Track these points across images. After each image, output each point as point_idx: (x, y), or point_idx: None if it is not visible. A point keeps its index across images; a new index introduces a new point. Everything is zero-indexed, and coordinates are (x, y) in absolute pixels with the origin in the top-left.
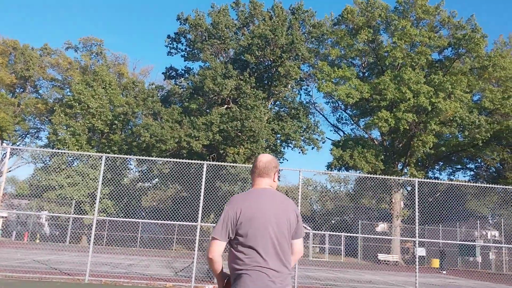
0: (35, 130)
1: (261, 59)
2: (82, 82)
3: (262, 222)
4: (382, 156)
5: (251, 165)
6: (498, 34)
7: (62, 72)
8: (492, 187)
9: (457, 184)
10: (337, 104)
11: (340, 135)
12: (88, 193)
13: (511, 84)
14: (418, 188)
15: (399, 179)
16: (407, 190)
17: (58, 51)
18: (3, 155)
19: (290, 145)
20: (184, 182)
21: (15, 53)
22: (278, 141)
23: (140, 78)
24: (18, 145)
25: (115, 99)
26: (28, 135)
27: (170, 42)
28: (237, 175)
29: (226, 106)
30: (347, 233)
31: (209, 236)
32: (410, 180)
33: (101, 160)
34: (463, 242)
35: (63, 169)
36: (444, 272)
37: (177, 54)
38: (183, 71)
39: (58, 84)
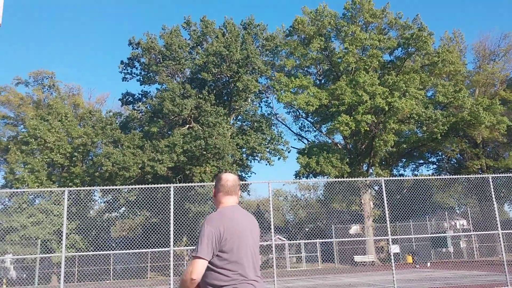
0: None
1: (218, 76)
2: (36, 117)
3: (244, 237)
4: (347, 159)
5: (215, 185)
6: (443, 31)
7: (14, 109)
8: (455, 178)
9: (422, 179)
10: (298, 113)
11: (304, 143)
12: (54, 230)
13: (461, 77)
14: (385, 186)
15: (366, 180)
16: (375, 190)
17: (8, 88)
18: None
19: (256, 158)
20: (153, 207)
21: None
22: (244, 155)
23: (97, 106)
24: None
25: (72, 131)
26: None
27: (124, 68)
28: (206, 194)
29: (188, 126)
30: (322, 239)
31: (185, 259)
32: (376, 180)
33: (64, 194)
34: (434, 235)
35: (25, 209)
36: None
37: (132, 79)
38: (140, 96)
39: (11, 122)
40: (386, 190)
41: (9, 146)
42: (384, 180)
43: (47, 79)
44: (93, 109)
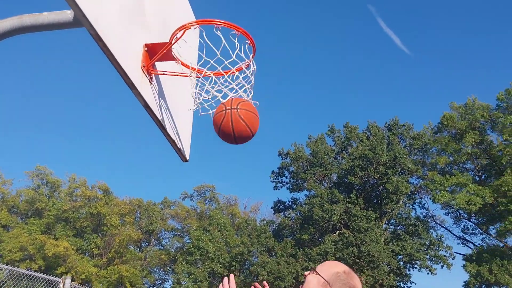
0: (160, 281)
1: (366, 179)
2: (199, 228)
3: None
4: None
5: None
6: None
7: (181, 221)
8: None
9: None
10: (458, 214)
11: (470, 247)
12: None
13: None
14: None
15: None
16: None
17: (176, 202)
18: None
19: (415, 266)
20: None
21: (140, 210)
22: (401, 263)
23: (251, 215)
24: None
25: (230, 240)
26: (154, 287)
27: (275, 177)
28: None
29: (338, 232)
30: None
31: None
32: None
33: None
34: None
35: None
36: None
37: (282, 187)
38: (290, 203)
39: (178, 233)
40: None
41: (176, 257)
42: None
43: (209, 192)
44: (248, 218)
